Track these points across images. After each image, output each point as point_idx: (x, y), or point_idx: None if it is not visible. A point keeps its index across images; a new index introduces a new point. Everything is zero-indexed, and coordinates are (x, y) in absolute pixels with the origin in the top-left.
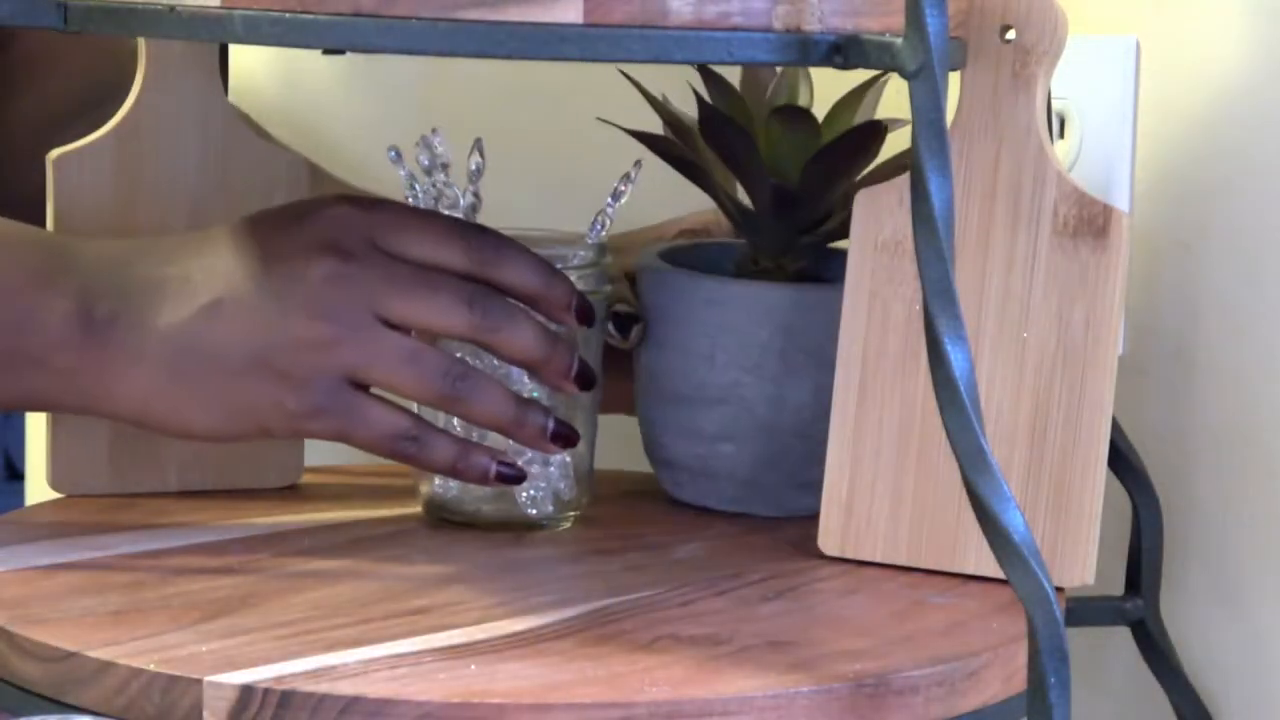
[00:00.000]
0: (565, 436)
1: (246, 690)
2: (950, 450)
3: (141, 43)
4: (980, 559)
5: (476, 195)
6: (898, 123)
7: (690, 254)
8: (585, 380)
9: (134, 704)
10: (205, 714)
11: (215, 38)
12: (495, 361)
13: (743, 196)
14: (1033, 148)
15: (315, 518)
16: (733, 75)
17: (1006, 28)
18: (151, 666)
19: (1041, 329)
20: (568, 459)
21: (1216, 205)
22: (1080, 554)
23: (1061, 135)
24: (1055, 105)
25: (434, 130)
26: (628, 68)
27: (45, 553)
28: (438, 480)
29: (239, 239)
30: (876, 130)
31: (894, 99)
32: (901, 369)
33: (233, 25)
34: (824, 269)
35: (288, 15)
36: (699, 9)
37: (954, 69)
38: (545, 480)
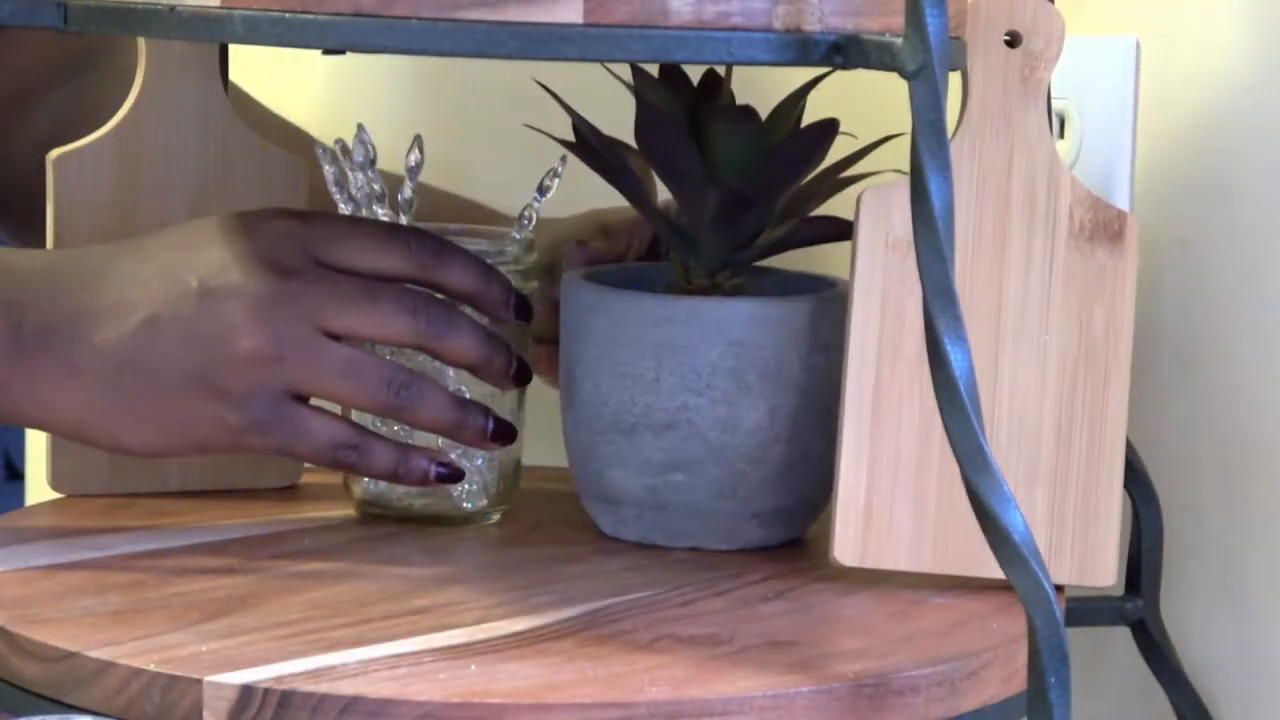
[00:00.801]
0: (505, 435)
1: (246, 690)
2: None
3: (141, 43)
4: None
5: (414, 191)
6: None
7: (614, 277)
8: (522, 378)
9: (134, 704)
10: (205, 714)
11: (215, 38)
12: (423, 357)
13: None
14: (1045, 152)
15: (315, 518)
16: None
17: (1013, 34)
18: (151, 666)
19: (1063, 331)
20: (496, 453)
21: (1216, 205)
22: (1108, 553)
23: (1061, 135)
24: (1055, 105)
25: (360, 126)
26: (543, 77)
27: (45, 553)
28: (367, 479)
29: (175, 251)
30: (829, 129)
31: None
32: (920, 369)
33: (233, 25)
34: (761, 286)
35: (288, 15)
36: (699, 9)
37: (953, 69)
38: (477, 475)
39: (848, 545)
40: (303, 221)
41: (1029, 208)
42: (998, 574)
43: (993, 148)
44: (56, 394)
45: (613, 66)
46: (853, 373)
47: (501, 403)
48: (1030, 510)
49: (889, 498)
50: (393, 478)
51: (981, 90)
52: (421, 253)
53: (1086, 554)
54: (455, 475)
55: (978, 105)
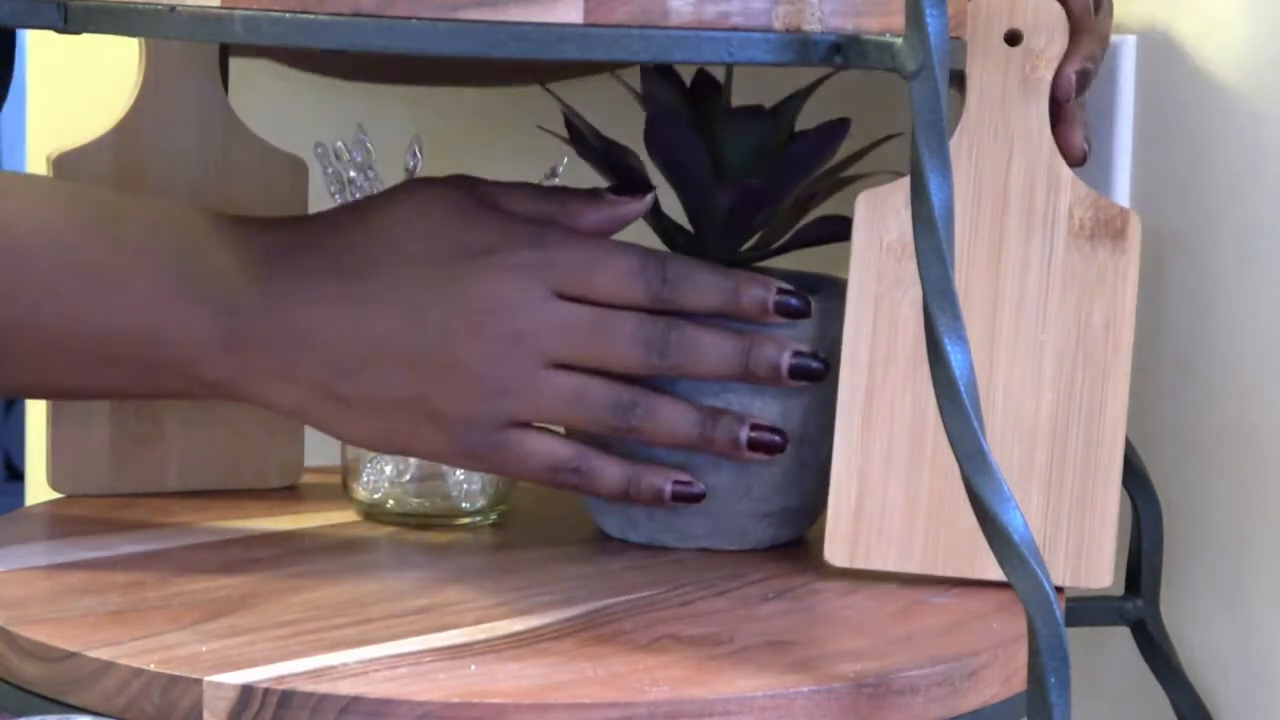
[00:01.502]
0: (766, 444)
1: (246, 690)
2: None
3: (141, 42)
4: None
5: None
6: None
7: None
8: (805, 371)
9: (134, 704)
10: (205, 714)
11: (215, 38)
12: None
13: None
14: (1045, 151)
15: (315, 518)
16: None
17: (1014, 32)
18: (151, 666)
19: (1061, 331)
20: None
21: (1217, 205)
22: (1104, 554)
23: None
24: None
25: (359, 126)
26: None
27: (45, 553)
28: (365, 478)
29: (406, 270)
30: (840, 128)
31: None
32: (912, 372)
33: (233, 25)
34: None
35: (288, 15)
36: (699, 9)
37: (953, 69)
38: (476, 474)
39: (839, 546)
40: (543, 252)
41: (1027, 207)
42: (986, 574)
43: (992, 147)
44: (273, 390)
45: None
46: (845, 375)
47: None
48: (1025, 511)
49: (880, 499)
50: (624, 498)
51: (981, 89)
52: (662, 281)
53: (1082, 555)
54: (696, 495)
55: (977, 105)
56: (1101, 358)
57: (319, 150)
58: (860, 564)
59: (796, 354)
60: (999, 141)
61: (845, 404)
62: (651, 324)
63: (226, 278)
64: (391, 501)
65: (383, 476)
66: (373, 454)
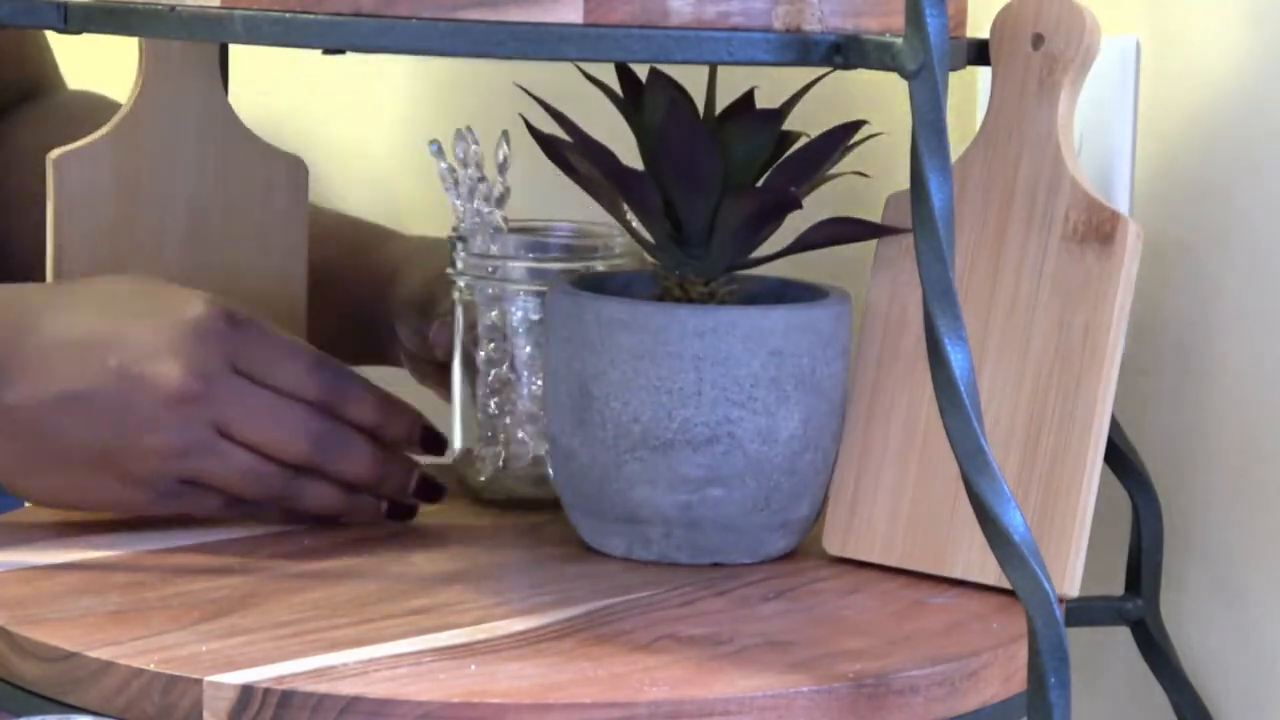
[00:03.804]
0: (428, 493)
1: (246, 690)
2: (948, 454)
3: (141, 42)
4: (969, 564)
5: (505, 186)
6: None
7: (598, 286)
8: (427, 495)
9: (134, 704)
10: (205, 714)
11: (215, 38)
12: (525, 383)
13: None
14: (1050, 153)
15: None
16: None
17: (1038, 36)
18: (151, 666)
19: (1044, 334)
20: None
21: (1217, 205)
22: (1064, 563)
23: None
24: None
25: (457, 129)
26: (542, 79)
27: (45, 553)
28: (481, 464)
29: (102, 321)
30: (851, 130)
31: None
32: (911, 370)
33: (233, 25)
34: (746, 293)
35: (288, 15)
36: (699, 9)
37: (953, 69)
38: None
39: (835, 535)
40: (233, 328)
41: (1028, 209)
42: (958, 574)
43: (1004, 149)
44: None
45: (607, 79)
46: (857, 371)
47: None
48: None
49: (872, 492)
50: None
51: (1001, 90)
52: (331, 387)
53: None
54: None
55: (997, 106)
56: (1076, 364)
57: (433, 148)
58: (850, 554)
59: (422, 478)
60: (1012, 142)
61: (854, 399)
62: (320, 420)
63: None
64: (499, 486)
65: (491, 465)
66: (487, 444)
